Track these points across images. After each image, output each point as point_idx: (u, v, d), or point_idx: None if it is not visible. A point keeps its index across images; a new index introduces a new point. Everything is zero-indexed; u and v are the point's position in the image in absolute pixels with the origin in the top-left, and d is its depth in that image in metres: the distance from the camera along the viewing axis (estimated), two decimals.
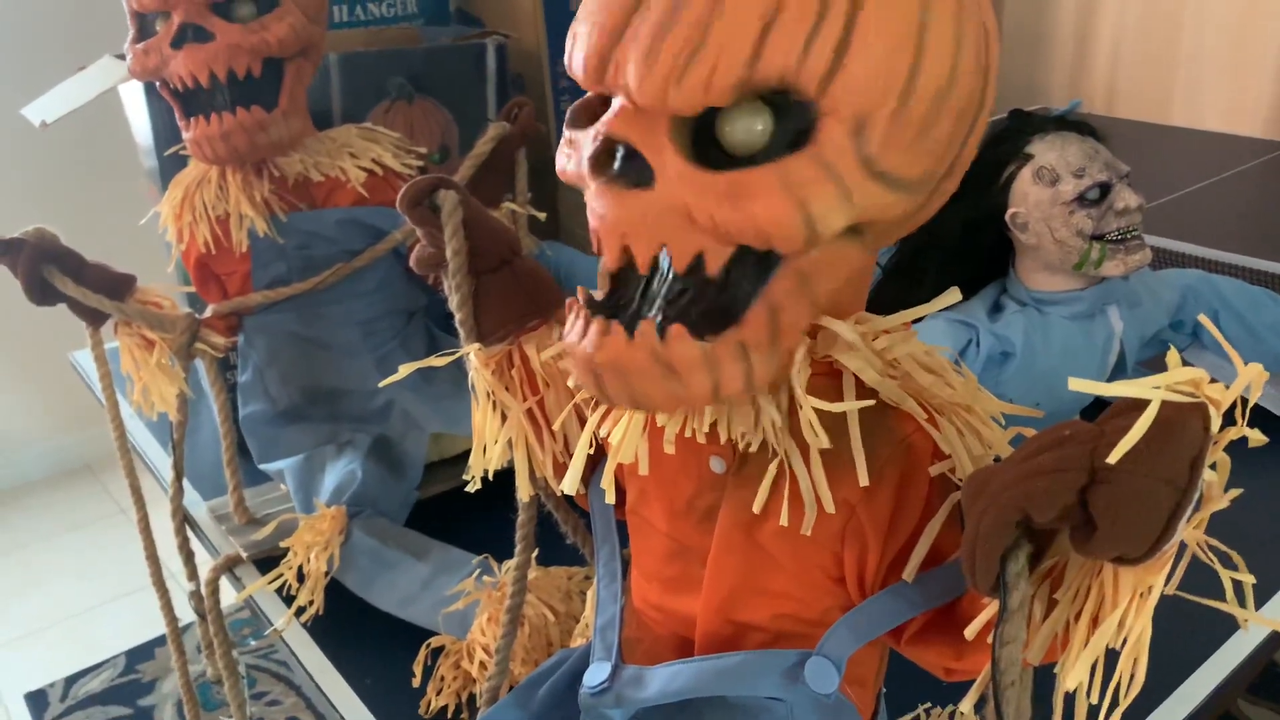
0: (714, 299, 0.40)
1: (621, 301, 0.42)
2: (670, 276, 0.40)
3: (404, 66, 1.03)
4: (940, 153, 0.38)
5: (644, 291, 0.41)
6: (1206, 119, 2.58)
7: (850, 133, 0.36)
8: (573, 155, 0.42)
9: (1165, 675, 0.72)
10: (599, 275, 0.43)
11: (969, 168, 0.42)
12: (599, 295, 0.43)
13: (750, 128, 0.37)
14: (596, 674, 0.51)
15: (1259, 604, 0.78)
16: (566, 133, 0.43)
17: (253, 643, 1.86)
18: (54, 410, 2.43)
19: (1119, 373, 0.91)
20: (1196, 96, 2.63)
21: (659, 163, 0.38)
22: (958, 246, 0.86)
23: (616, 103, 0.39)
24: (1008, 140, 0.84)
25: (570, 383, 0.53)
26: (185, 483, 0.90)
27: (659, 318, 0.40)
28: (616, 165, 0.40)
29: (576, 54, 0.39)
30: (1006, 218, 0.84)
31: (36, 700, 1.79)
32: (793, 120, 0.37)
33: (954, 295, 0.44)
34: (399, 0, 1.15)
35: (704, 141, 0.38)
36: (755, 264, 0.39)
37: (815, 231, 0.37)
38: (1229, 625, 0.35)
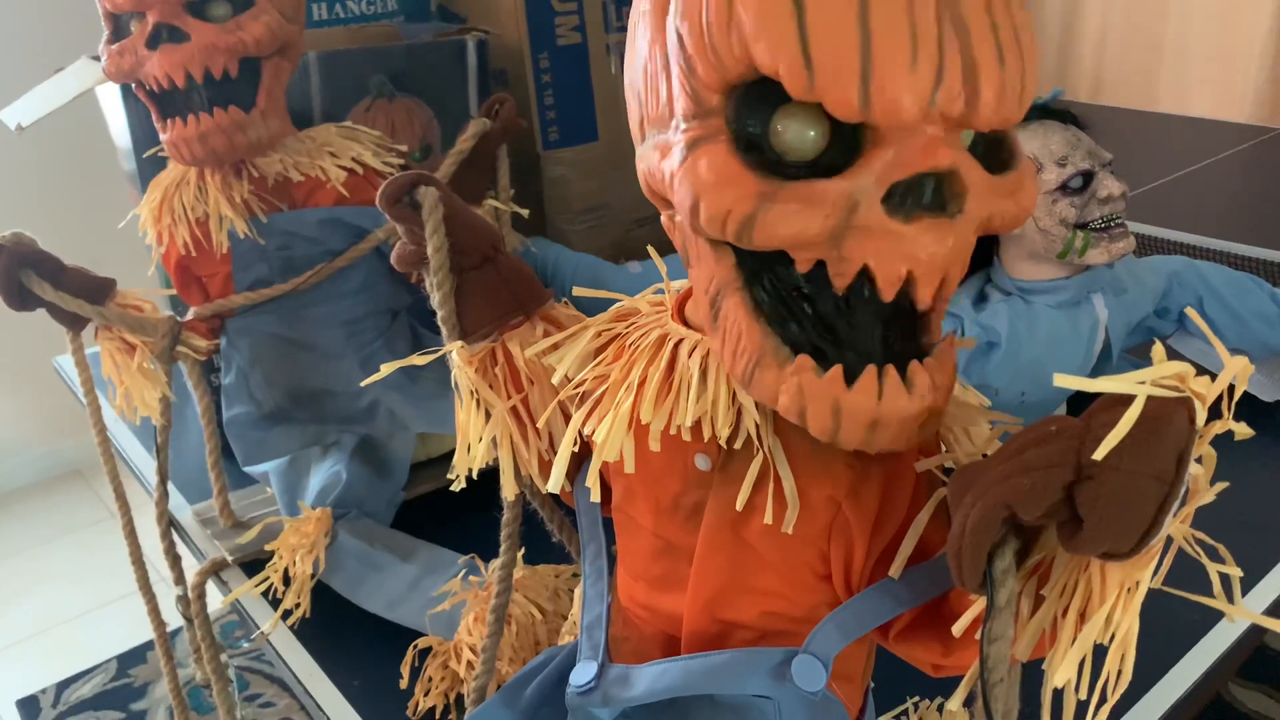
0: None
1: (816, 343, 0.39)
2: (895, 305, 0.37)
3: (384, 64, 1.02)
4: None
5: (825, 319, 0.39)
6: (1192, 105, 2.59)
7: None
8: (817, 210, 0.35)
9: (1154, 660, 0.72)
10: (833, 324, 0.38)
11: None
12: (803, 337, 0.39)
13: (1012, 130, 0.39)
14: (583, 673, 0.50)
15: (1245, 592, 0.78)
16: (779, 184, 0.36)
17: (245, 644, 1.85)
18: (42, 415, 2.42)
19: (1105, 360, 0.90)
20: (1182, 83, 2.63)
21: (973, 181, 0.36)
22: None
23: (914, 133, 0.34)
24: None
25: (566, 389, 0.51)
26: (170, 486, 0.89)
27: (911, 349, 0.39)
28: (927, 197, 0.36)
29: (890, 89, 0.33)
30: None
31: (28, 707, 1.79)
32: None
33: None
34: None
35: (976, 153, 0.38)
36: None
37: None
38: (1217, 610, 0.35)
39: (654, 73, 0.39)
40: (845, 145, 0.36)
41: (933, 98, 0.34)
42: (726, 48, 0.35)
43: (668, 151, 0.39)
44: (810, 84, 0.34)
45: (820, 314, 0.39)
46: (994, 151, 0.38)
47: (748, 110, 0.36)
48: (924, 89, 0.34)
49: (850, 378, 0.37)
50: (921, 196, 0.36)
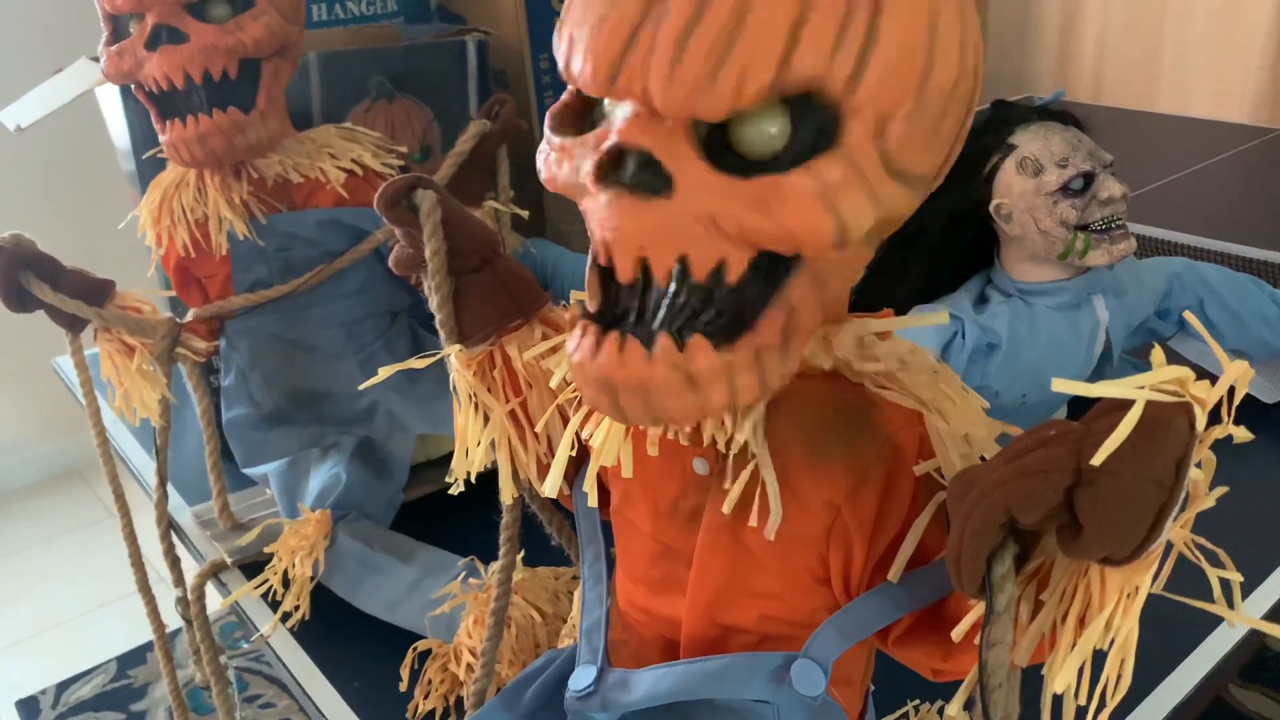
0: (727, 306, 0.38)
1: (617, 312, 0.40)
2: (676, 285, 0.38)
3: (384, 65, 1.02)
4: (945, 149, 0.38)
5: (640, 300, 0.40)
6: (1193, 106, 2.58)
7: (873, 133, 0.36)
8: (564, 163, 0.40)
9: (1156, 662, 0.72)
10: (588, 285, 0.41)
11: None
12: (591, 306, 0.41)
13: (769, 131, 0.36)
14: (582, 677, 0.50)
15: (1245, 594, 0.78)
16: (553, 138, 0.41)
17: (245, 645, 1.85)
18: (42, 415, 2.42)
19: (1105, 362, 0.90)
20: (1182, 83, 2.63)
21: (680, 170, 0.36)
22: (942, 239, 0.86)
23: (626, 109, 0.37)
24: (991, 131, 0.83)
25: (565, 392, 0.51)
26: (170, 488, 0.89)
27: (672, 329, 0.38)
28: (628, 174, 0.37)
29: (578, 59, 0.37)
30: (990, 209, 0.83)
31: (28, 707, 1.78)
32: (812, 122, 0.36)
33: (941, 317, 0.45)
34: None
35: (717, 145, 0.37)
36: (768, 267, 0.38)
37: (847, 234, 0.36)
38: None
39: None
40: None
41: (615, 72, 0.36)
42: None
43: None
44: (550, 49, 0.40)
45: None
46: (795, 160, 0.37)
47: None
48: (605, 61, 0.36)
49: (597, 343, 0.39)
50: (627, 172, 0.37)
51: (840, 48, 0.34)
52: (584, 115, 0.41)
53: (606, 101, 0.39)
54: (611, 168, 0.38)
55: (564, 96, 0.42)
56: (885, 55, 0.35)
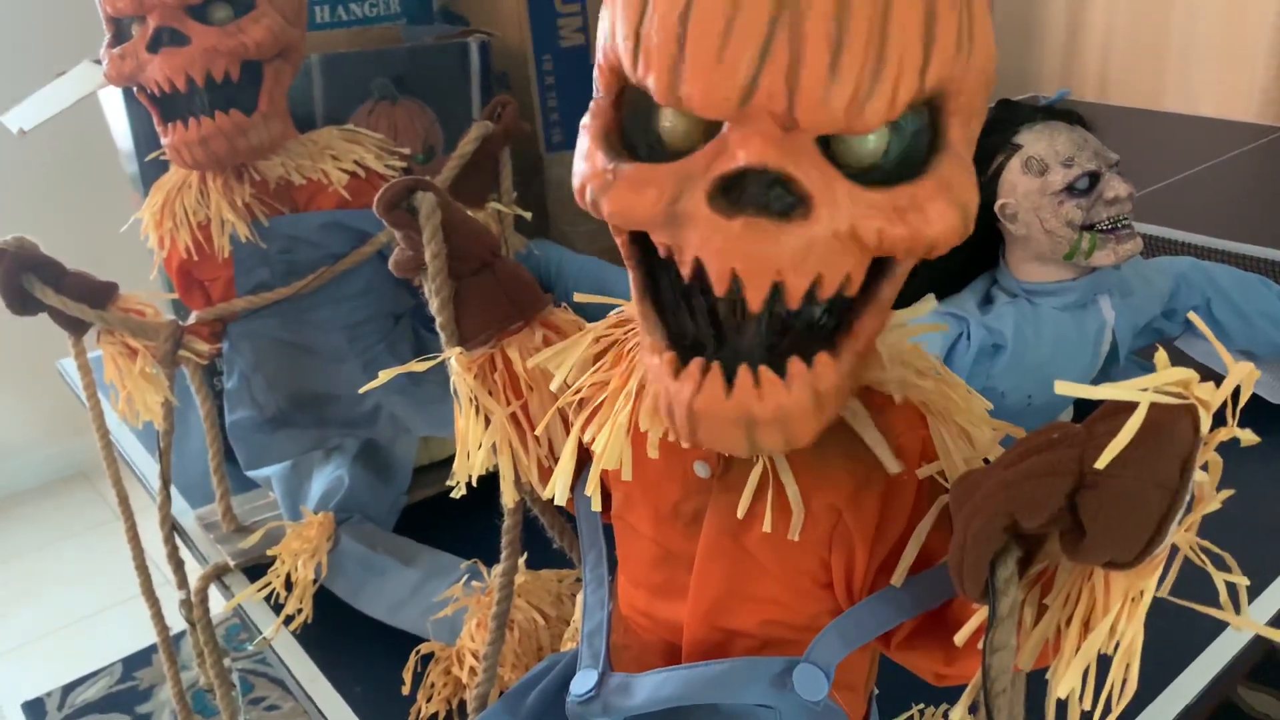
0: (841, 317, 0.38)
1: (694, 341, 0.39)
2: (801, 306, 0.37)
3: (387, 67, 1.02)
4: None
5: (719, 323, 0.38)
6: (1199, 104, 2.57)
7: (963, 129, 0.36)
8: (645, 190, 0.37)
9: (1164, 665, 0.72)
10: (672, 318, 0.39)
11: None
12: (663, 333, 0.39)
13: (878, 138, 0.36)
14: (583, 682, 0.50)
15: (1252, 597, 0.77)
16: (613, 165, 0.38)
17: (249, 647, 1.85)
18: (48, 417, 2.42)
19: (1112, 363, 0.90)
20: (1189, 82, 2.62)
21: (823, 188, 0.35)
22: None
23: (747, 127, 0.35)
24: (996, 131, 0.83)
25: (565, 395, 0.50)
26: (173, 491, 0.89)
27: (802, 352, 0.38)
28: (761, 196, 0.35)
29: (699, 79, 0.34)
30: (996, 209, 0.83)
31: (34, 709, 1.79)
32: (910, 124, 0.36)
33: (929, 303, 0.45)
34: (381, 0, 1.14)
35: (831, 157, 0.36)
36: (869, 270, 0.38)
37: (967, 230, 0.37)
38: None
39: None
40: (708, 138, 0.37)
41: (748, 92, 0.34)
42: (611, 45, 0.37)
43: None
44: (635, 71, 0.36)
45: (711, 309, 0.39)
46: (904, 165, 0.37)
47: (636, 104, 0.38)
48: (734, 81, 0.34)
49: (679, 373, 0.38)
50: (751, 194, 0.35)
51: (959, 48, 0.35)
52: (618, 132, 0.39)
53: (672, 115, 0.37)
54: (737, 191, 0.35)
55: (601, 116, 0.39)
56: (981, 50, 0.35)
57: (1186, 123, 2.19)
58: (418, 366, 0.55)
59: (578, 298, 0.55)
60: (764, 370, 0.37)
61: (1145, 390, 0.31)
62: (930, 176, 0.36)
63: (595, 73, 0.40)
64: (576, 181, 0.39)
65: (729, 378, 0.37)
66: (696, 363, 0.38)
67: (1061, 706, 0.35)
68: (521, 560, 0.75)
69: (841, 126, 0.34)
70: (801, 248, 0.35)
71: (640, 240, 0.40)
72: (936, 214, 0.36)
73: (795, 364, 0.37)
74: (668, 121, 0.37)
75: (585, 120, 0.40)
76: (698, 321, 0.39)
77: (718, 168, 0.35)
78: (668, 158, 0.37)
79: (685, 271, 0.37)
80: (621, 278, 1.07)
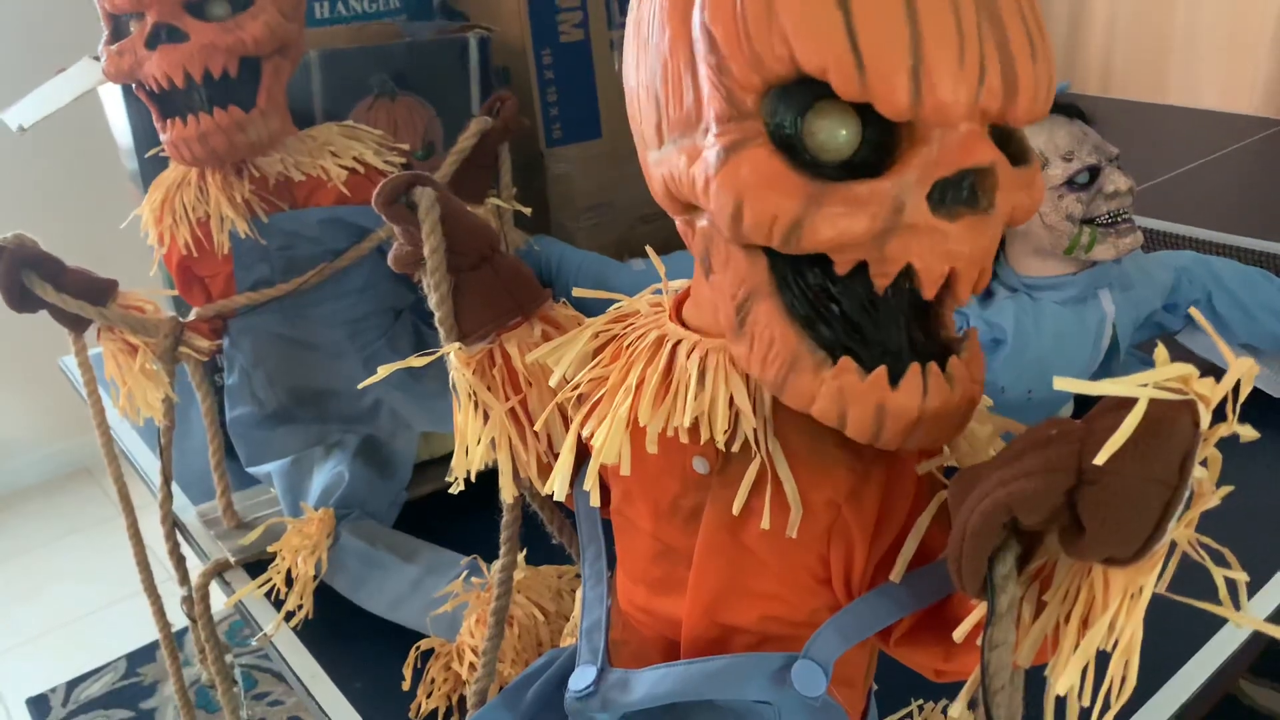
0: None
1: (846, 344, 0.38)
2: (912, 297, 0.37)
3: (386, 62, 1.01)
4: None
5: (851, 319, 0.38)
6: (1202, 97, 2.57)
7: None
8: (868, 207, 0.35)
9: (1165, 659, 0.72)
10: (809, 329, 0.38)
11: None
12: (832, 338, 0.38)
13: None
14: (582, 677, 0.50)
15: (1252, 592, 0.77)
16: (822, 188, 0.35)
17: (253, 643, 1.86)
18: (51, 414, 2.42)
19: (1112, 357, 0.90)
20: (1192, 75, 2.61)
21: (1004, 175, 0.36)
22: None
23: (959, 129, 0.34)
24: None
25: (564, 391, 0.50)
26: (175, 487, 0.89)
27: (933, 345, 0.39)
28: (972, 194, 0.36)
29: (945, 87, 0.33)
30: None
31: (38, 705, 1.79)
32: None
33: None
34: None
35: None
36: None
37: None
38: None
39: (676, 73, 0.37)
40: (875, 144, 0.35)
41: (977, 94, 0.34)
42: (767, 47, 0.34)
43: (697, 156, 0.37)
44: (861, 84, 0.33)
45: (846, 314, 0.38)
46: (1006, 145, 0.38)
47: (783, 111, 0.36)
48: (971, 86, 0.33)
49: (894, 378, 0.37)
50: (961, 193, 0.36)
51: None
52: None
53: (834, 124, 0.35)
54: (948, 192, 0.35)
55: (747, 136, 0.35)
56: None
57: (1189, 116, 2.19)
58: (417, 362, 0.55)
59: (577, 293, 0.55)
60: (933, 367, 0.38)
61: (1144, 386, 0.30)
62: (1027, 150, 0.38)
63: (705, 89, 0.36)
64: (757, 212, 0.35)
65: (897, 378, 0.37)
66: (914, 369, 0.37)
67: (1060, 703, 0.35)
68: (521, 556, 0.75)
69: (1037, 114, 0.35)
70: (992, 237, 0.37)
71: (780, 261, 0.38)
72: (1040, 182, 0.38)
73: (955, 363, 0.38)
74: (825, 130, 0.35)
75: (721, 140, 0.36)
76: (834, 328, 0.38)
77: (936, 172, 0.35)
78: (833, 169, 0.36)
79: (884, 282, 0.36)
80: (621, 273, 1.08)
